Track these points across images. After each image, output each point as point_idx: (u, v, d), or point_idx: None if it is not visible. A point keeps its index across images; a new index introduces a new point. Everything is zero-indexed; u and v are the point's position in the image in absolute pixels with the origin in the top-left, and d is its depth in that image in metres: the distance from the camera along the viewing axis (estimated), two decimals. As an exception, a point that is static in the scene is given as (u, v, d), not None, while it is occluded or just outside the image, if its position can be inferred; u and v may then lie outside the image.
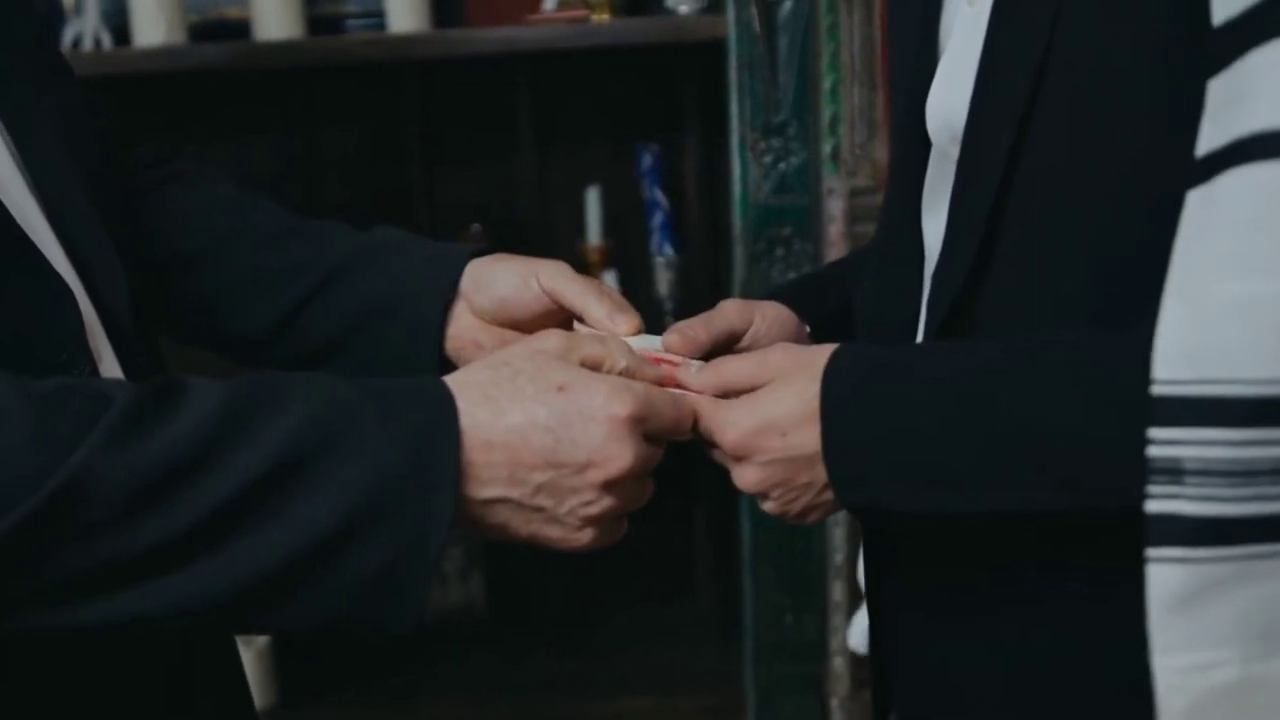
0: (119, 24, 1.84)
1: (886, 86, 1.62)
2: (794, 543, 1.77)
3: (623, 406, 0.70)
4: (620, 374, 0.74)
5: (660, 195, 2.01)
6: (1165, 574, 0.61)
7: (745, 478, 0.76)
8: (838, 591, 1.79)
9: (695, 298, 2.08)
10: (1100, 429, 0.66)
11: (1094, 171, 0.70)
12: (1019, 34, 0.71)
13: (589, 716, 1.96)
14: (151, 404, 0.65)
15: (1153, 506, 0.62)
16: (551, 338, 0.75)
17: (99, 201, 0.91)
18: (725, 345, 0.85)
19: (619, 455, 0.70)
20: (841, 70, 1.61)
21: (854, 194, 1.65)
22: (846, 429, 0.73)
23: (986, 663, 0.79)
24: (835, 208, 1.65)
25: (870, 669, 0.93)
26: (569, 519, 0.72)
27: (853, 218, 1.65)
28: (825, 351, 0.74)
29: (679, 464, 2.36)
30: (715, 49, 1.78)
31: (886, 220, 0.87)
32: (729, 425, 0.75)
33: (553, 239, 2.11)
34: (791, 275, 1.69)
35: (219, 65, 1.85)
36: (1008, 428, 0.69)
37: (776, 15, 1.61)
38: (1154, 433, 0.62)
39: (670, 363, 0.81)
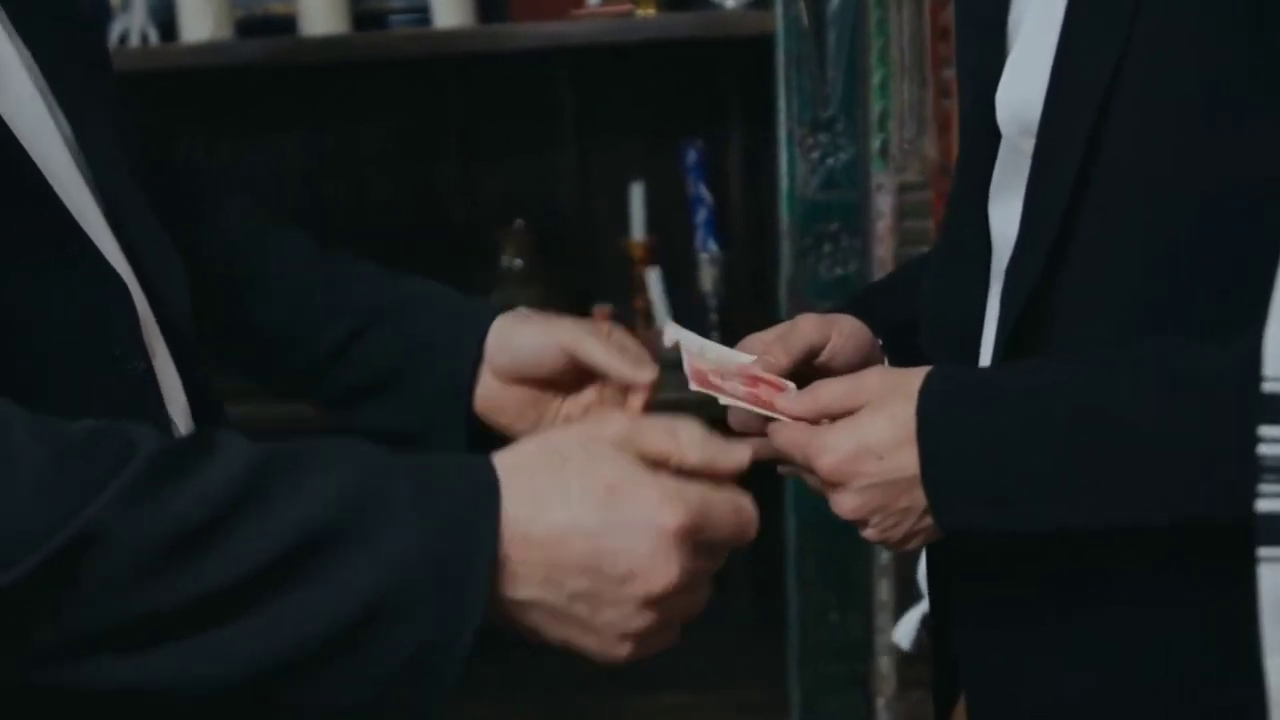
0: (166, 19, 1.85)
1: (935, 79, 1.61)
2: (839, 540, 1.76)
3: (674, 517, 0.63)
4: (692, 468, 0.66)
5: (704, 191, 2.00)
6: (1277, 574, 0.60)
7: (843, 504, 0.76)
8: (884, 590, 1.78)
9: (739, 294, 2.07)
10: (1209, 432, 0.65)
11: (1173, 164, 0.69)
12: (1097, 24, 0.69)
13: (628, 712, 1.96)
14: (178, 459, 0.61)
15: (1263, 506, 0.61)
16: (613, 423, 0.66)
17: (151, 198, 0.91)
18: (804, 362, 0.85)
19: (664, 570, 0.63)
20: (891, 65, 1.60)
21: (903, 189, 1.63)
22: (945, 449, 0.72)
23: (1066, 673, 0.77)
24: (884, 203, 1.64)
25: (933, 674, 0.91)
26: (606, 631, 0.65)
27: (902, 213, 1.64)
28: (919, 373, 0.74)
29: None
30: (760, 44, 1.77)
31: (952, 212, 0.86)
32: (825, 450, 0.75)
33: (596, 235, 2.11)
34: (839, 271, 1.68)
35: (264, 61, 1.86)
36: (1115, 439, 0.68)
37: (825, 10, 1.60)
38: (1264, 430, 0.61)
39: (773, 384, 0.80)
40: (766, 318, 1.98)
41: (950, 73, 1.60)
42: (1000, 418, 0.71)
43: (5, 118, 0.77)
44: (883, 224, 1.65)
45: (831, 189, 1.66)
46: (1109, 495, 0.69)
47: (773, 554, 2.03)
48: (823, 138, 1.64)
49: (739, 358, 0.84)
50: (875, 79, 1.61)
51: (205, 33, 1.81)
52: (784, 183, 1.67)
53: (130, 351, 0.81)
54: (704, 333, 1.97)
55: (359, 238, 2.06)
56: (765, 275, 2.04)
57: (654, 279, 1.99)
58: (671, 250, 2.03)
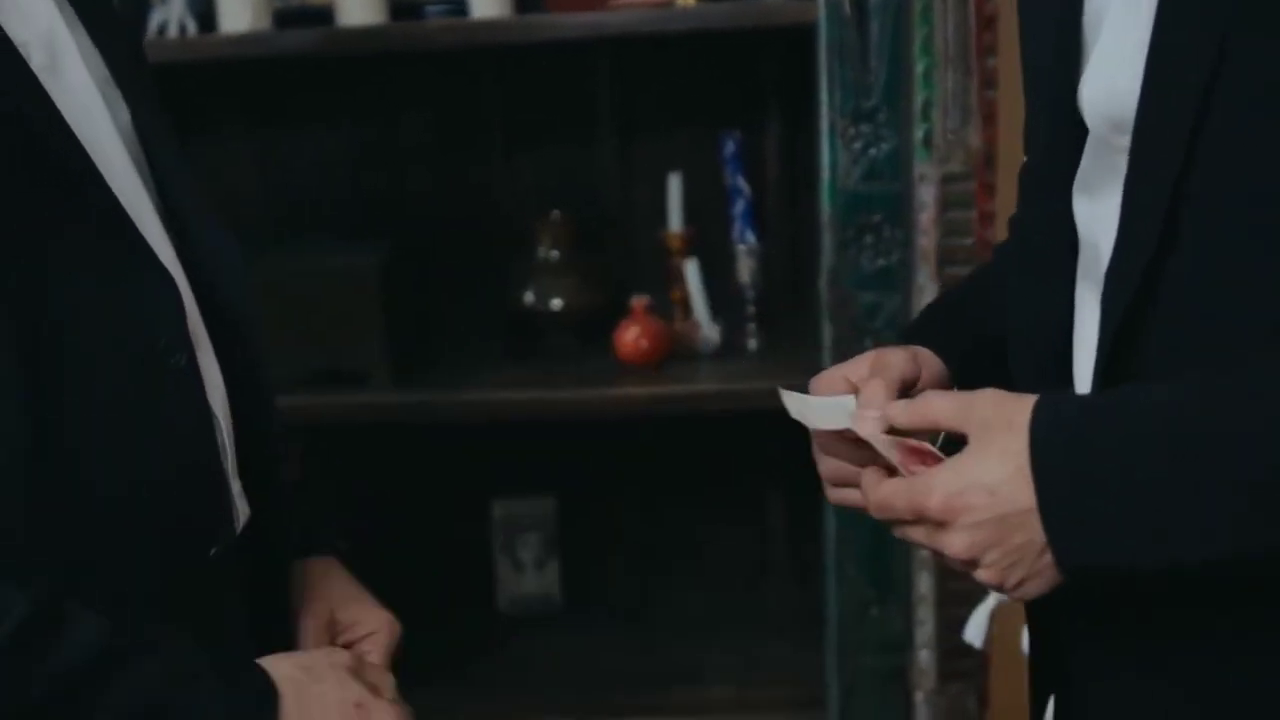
0: (204, 11, 1.85)
1: (980, 68, 1.59)
2: (879, 534, 1.75)
3: None
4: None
5: (743, 182, 1.99)
6: None
7: (954, 544, 0.71)
8: (924, 583, 1.77)
9: (776, 285, 2.06)
10: None
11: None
12: (1192, 13, 0.67)
13: (670, 707, 1.95)
14: (35, 634, 0.73)
15: None
16: (342, 654, 0.89)
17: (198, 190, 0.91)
18: (900, 396, 0.82)
19: None
20: (935, 54, 1.58)
21: (946, 180, 1.62)
22: (1063, 478, 0.68)
23: (1184, 705, 0.74)
24: (927, 194, 1.62)
25: (1030, 694, 0.88)
26: None
27: (945, 204, 1.62)
28: (1027, 402, 0.70)
29: (752, 452, 2.35)
30: (799, 33, 1.75)
31: (1030, 210, 0.84)
32: (932, 489, 0.71)
33: (633, 226, 2.10)
34: (881, 263, 1.67)
35: (302, 51, 1.86)
36: (1251, 463, 0.65)
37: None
38: None
39: (924, 455, 0.76)
40: (804, 309, 1.98)
41: (994, 61, 1.59)
42: (1123, 442, 0.67)
43: (62, 108, 0.78)
44: (926, 215, 1.63)
45: (874, 180, 1.64)
46: (1245, 525, 0.65)
47: (812, 548, 2.02)
48: (865, 128, 1.62)
49: (843, 403, 0.81)
50: (919, 68, 1.59)
51: (244, 24, 1.81)
52: (825, 174, 1.66)
53: (175, 345, 0.82)
54: (740, 323, 1.98)
55: (397, 228, 2.06)
56: (803, 267, 2.03)
57: (691, 270, 1.99)
58: (709, 241, 2.02)
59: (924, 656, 1.79)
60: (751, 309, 1.98)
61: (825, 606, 1.83)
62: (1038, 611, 0.85)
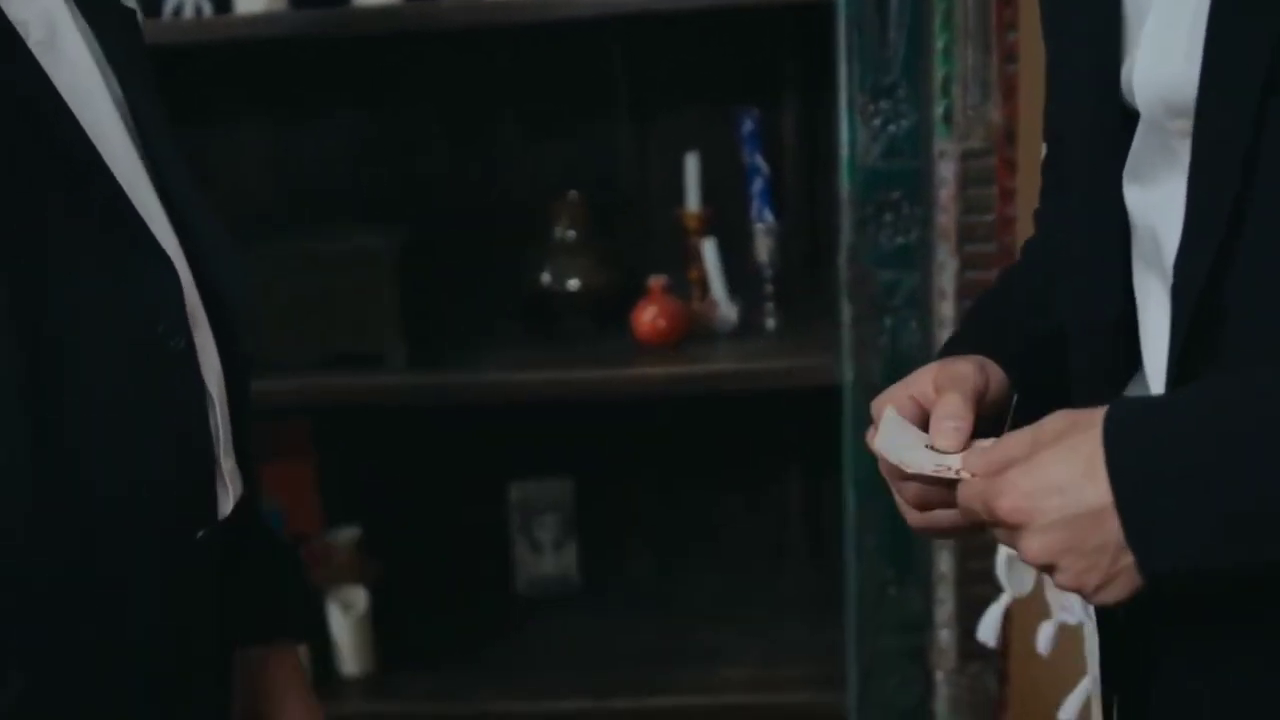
0: (220, -8, 1.85)
1: (1000, 43, 1.57)
2: (898, 514, 1.73)
3: None
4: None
5: (760, 161, 1.98)
6: None
7: (1028, 547, 0.69)
8: (943, 563, 1.76)
9: (794, 264, 2.05)
10: None
11: None
12: None
13: (688, 687, 1.95)
14: None
15: None
16: None
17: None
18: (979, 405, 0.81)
19: None
20: (954, 29, 1.57)
21: (966, 156, 1.60)
22: (1139, 474, 0.66)
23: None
24: (947, 170, 1.61)
25: (1102, 696, 0.86)
26: None
27: (966, 180, 1.61)
28: (1100, 408, 0.68)
29: (770, 432, 2.35)
30: (817, 10, 1.74)
31: (1074, 198, 0.81)
32: (1003, 492, 0.69)
33: (650, 206, 2.09)
34: (900, 240, 1.66)
35: (316, 32, 1.85)
36: None
37: (887, -27, 1.57)
38: None
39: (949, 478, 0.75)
40: (822, 288, 1.97)
41: (1015, 36, 1.57)
42: (1204, 433, 0.65)
43: (61, 84, 0.77)
44: (946, 192, 1.62)
45: (893, 157, 1.63)
46: None
47: (831, 528, 2.01)
48: (884, 104, 1.61)
49: (939, 459, 0.78)
50: (939, 44, 1.58)
51: (259, 4, 1.81)
52: (844, 150, 1.64)
53: (173, 329, 0.82)
54: (758, 302, 1.97)
55: (412, 210, 2.06)
56: (821, 245, 2.02)
57: (709, 249, 1.98)
58: (726, 220, 2.01)
59: (944, 636, 1.78)
60: (769, 288, 1.97)
61: (844, 586, 1.82)
62: (1111, 614, 0.82)
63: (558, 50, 2.05)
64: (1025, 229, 1.64)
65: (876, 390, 0.89)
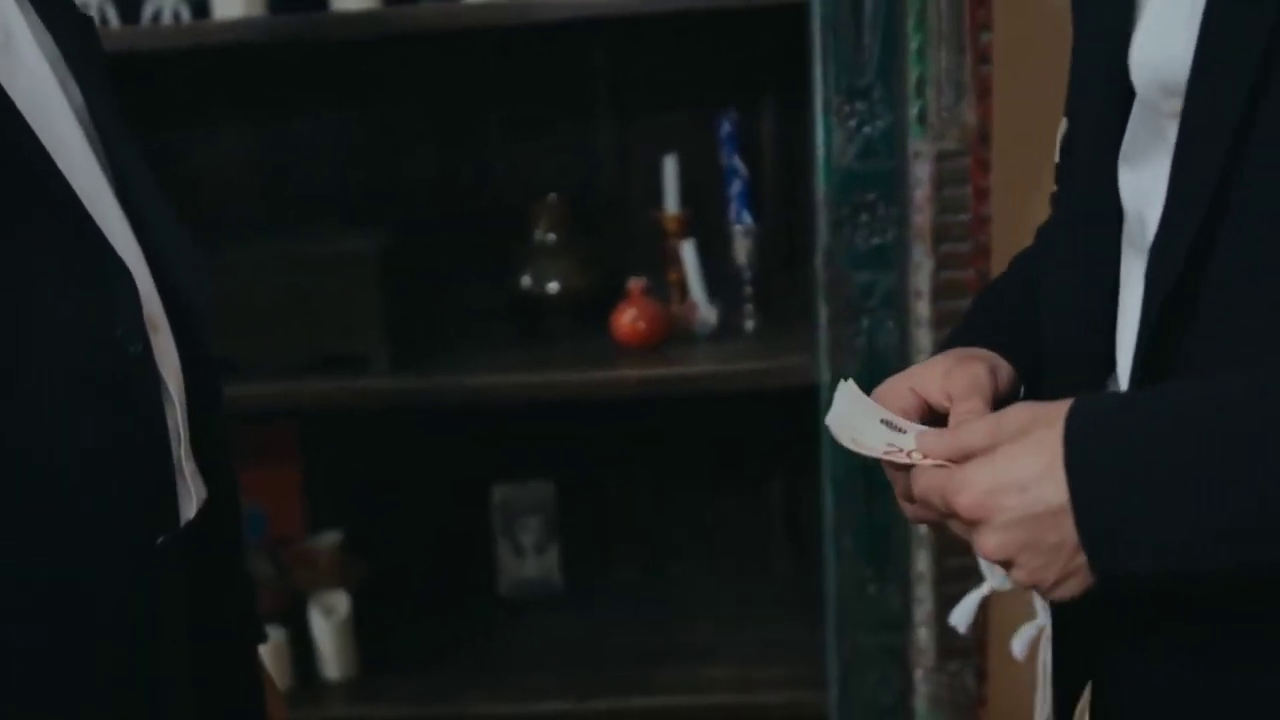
0: (198, -3, 1.85)
1: (974, 44, 1.58)
2: (877, 512, 1.75)
3: None
4: None
5: (739, 163, 1.99)
6: None
7: (986, 543, 0.69)
8: (921, 561, 1.77)
9: (773, 266, 2.06)
10: None
11: None
12: None
13: (670, 687, 1.96)
14: None
15: None
16: None
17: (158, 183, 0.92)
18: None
19: None
20: (928, 30, 1.58)
21: (941, 157, 1.62)
22: (1097, 475, 0.66)
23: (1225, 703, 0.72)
24: (922, 171, 1.62)
25: (1054, 693, 0.86)
26: None
27: (940, 181, 1.62)
28: (1064, 403, 0.68)
29: (751, 432, 2.35)
30: (794, 12, 1.75)
31: (1075, 180, 0.81)
32: (963, 487, 0.70)
33: (629, 208, 2.10)
34: (876, 241, 1.67)
35: (296, 36, 1.85)
36: None
37: (861, -25, 1.59)
38: None
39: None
40: (800, 289, 1.98)
41: (989, 37, 1.58)
42: (1162, 437, 0.65)
43: (12, 90, 0.77)
44: (921, 192, 1.63)
45: (869, 158, 1.64)
46: None
47: (810, 526, 2.02)
48: (859, 105, 1.62)
49: (899, 440, 0.78)
50: (912, 45, 1.59)
51: (237, 9, 1.81)
52: (820, 152, 1.66)
53: (131, 333, 0.82)
54: (737, 304, 1.97)
55: (394, 213, 2.06)
56: (799, 246, 2.03)
57: (688, 252, 1.98)
58: (705, 223, 2.02)
59: (922, 634, 1.79)
60: (748, 289, 1.98)
61: (824, 585, 1.83)
62: (1063, 607, 0.81)
63: (538, 54, 2.06)
64: (1000, 228, 1.65)
65: (853, 390, 0.89)
